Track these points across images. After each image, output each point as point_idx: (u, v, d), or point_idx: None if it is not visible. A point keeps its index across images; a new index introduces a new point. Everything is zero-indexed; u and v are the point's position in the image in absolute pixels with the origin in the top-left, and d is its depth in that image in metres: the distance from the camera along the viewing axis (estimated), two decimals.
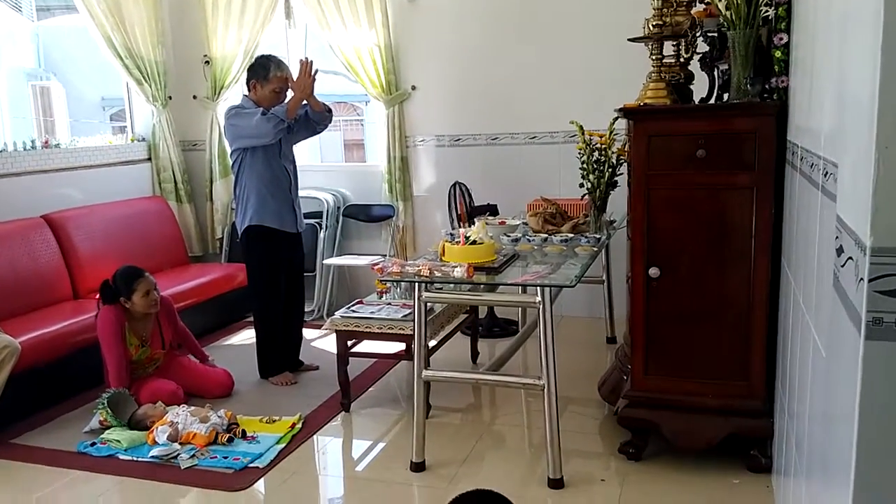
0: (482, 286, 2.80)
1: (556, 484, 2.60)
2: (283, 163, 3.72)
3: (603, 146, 3.22)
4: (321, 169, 5.30)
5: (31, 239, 3.97)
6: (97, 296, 3.46)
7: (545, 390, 2.54)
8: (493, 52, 4.60)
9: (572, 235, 3.08)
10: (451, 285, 2.75)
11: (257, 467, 2.86)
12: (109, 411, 3.15)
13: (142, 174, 5.07)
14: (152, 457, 2.94)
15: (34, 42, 11.14)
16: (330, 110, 3.76)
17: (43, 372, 3.42)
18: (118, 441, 3.05)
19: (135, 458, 2.97)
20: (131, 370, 3.39)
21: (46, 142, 4.53)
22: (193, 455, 2.92)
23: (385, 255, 4.82)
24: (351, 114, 10.96)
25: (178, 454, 2.93)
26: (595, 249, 2.94)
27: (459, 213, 4.23)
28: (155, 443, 3.01)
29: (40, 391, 3.45)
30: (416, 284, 2.70)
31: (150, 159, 5.12)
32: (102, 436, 3.12)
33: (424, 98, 4.81)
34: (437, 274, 2.62)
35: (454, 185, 4.37)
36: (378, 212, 4.95)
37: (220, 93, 5.12)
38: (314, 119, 3.71)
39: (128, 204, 4.74)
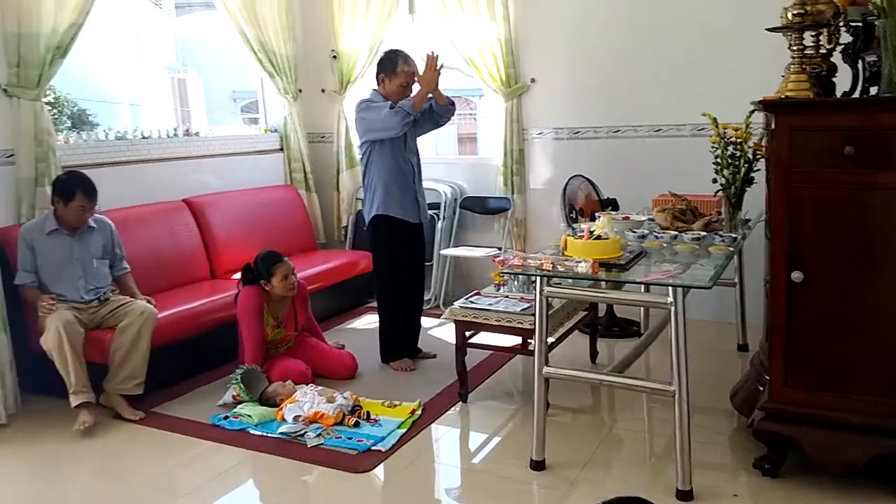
0: (606, 283, 2.73)
1: (685, 496, 2.49)
2: (408, 155, 3.79)
3: (738, 140, 3.08)
4: (440, 161, 5.36)
5: (173, 221, 4.25)
6: (237, 277, 3.67)
7: (676, 397, 2.45)
8: (616, 43, 4.49)
9: (705, 234, 2.97)
10: (573, 281, 2.70)
11: (380, 450, 2.94)
12: (242, 387, 3.33)
13: (274, 164, 5.30)
14: (281, 433, 3.09)
15: (173, 37, 11.87)
16: (453, 103, 3.80)
17: (182, 346, 3.65)
18: (249, 416, 3.22)
19: (264, 434, 3.13)
20: (265, 349, 3.57)
21: (187, 130, 4.83)
22: (320, 434, 3.04)
23: (500, 248, 4.83)
24: (464, 108, 11.03)
25: (305, 432, 3.06)
26: (731, 249, 2.82)
27: (579, 206, 4.17)
28: (283, 420, 3.16)
29: (179, 364, 3.68)
30: (539, 278, 2.67)
31: (282, 149, 5.35)
32: (235, 410, 3.31)
33: (544, 91, 4.77)
34: (560, 268, 2.60)
35: (572, 178, 4.30)
36: (494, 204, 4.96)
37: (346, 87, 5.27)
38: (438, 112, 3.77)
39: (261, 191, 4.99)
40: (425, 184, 4.00)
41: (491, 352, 3.62)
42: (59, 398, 3.34)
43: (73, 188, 3.31)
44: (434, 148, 6.52)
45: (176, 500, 2.74)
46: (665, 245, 2.95)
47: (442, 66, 3.59)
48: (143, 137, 4.47)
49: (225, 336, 3.68)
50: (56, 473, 2.98)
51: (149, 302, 3.50)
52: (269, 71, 5.09)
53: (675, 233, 3.02)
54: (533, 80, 4.76)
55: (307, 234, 5.18)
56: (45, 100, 3.79)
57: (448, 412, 3.33)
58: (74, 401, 3.18)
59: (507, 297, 3.44)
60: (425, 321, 4.21)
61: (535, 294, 2.70)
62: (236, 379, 3.36)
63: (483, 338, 3.46)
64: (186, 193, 4.52)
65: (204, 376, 3.76)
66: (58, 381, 3.22)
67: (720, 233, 2.97)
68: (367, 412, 3.21)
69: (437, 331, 4.44)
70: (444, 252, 4.98)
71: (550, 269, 2.61)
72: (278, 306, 3.63)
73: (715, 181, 3.13)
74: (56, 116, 8.03)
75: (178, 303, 3.75)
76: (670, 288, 2.44)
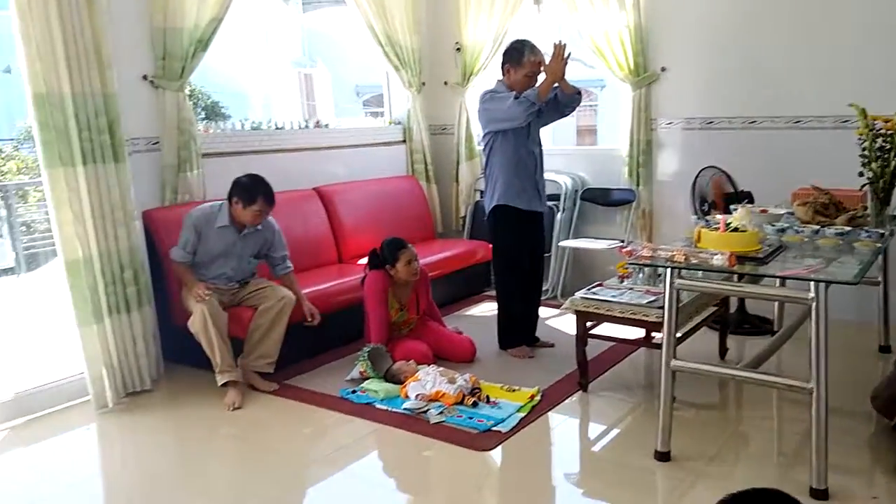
0: (742, 277, 2.65)
1: (821, 495, 2.40)
2: (531, 146, 3.81)
3: (889, 132, 2.91)
4: (560, 152, 5.34)
5: (304, 208, 4.47)
6: (362, 262, 3.82)
7: (814, 395, 2.36)
8: (752, 30, 4.32)
9: (849, 229, 2.82)
10: (704, 274, 2.63)
11: (499, 431, 3.00)
12: (369, 364, 3.48)
13: (397, 155, 5.46)
14: (405, 409, 3.20)
15: (300, 32, 12.40)
16: (579, 93, 3.78)
17: (313, 325, 3.82)
18: (375, 391, 3.36)
19: (389, 409, 3.25)
20: (390, 330, 3.71)
21: (317, 122, 5.05)
22: (442, 412, 3.14)
23: (622, 240, 4.77)
24: (584, 99, 10.91)
25: (428, 409, 3.16)
26: (878, 245, 2.68)
27: (711, 199, 4.05)
28: (407, 397, 3.27)
29: (310, 341, 3.87)
30: (669, 271, 2.63)
31: (404, 141, 5.50)
32: (362, 385, 3.46)
33: (674, 80, 4.65)
34: (694, 260, 2.55)
35: (704, 169, 4.18)
36: (618, 196, 4.89)
37: (469, 79, 5.35)
38: (563, 102, 3.76)
39: (385, 181, 5.16)
40: (545, 175, 4.01)
41: (612, 343, 3.59)
42: (197, 368, 3.62)
43: (256, 194, 3.45)
44: (552, 139, 6.49)
45: (308, 466, 2.90)
46: (806, 239, 2.84)
47: (569, 56, 3.57)
48: (277, 128, 4.72)
49: (351, 317, 3.85)
50: (195, 436, 3.22)
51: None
52: (395, 64, 5.24)
53: (817, 227, 2.89)
54: (663, 69, 4.66)
55: (427, 224, 5.31)
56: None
57: (567, 401, 3.34)
58: (221, 379, 3.40)
59: (631, 289, 3.41)
60: (542, 311, 4.22)
61: (665, 286, 2.66)
62: (363, 356, 3.51)
63: (604, 329, 3.43)
64: (316, 182, 4.73)
65: (332, 353, 3.95)
66: (196, 352, 3.46)
67: (866, 228, 2.82)
68: (487, 395, 3.27)
69: (555, 321, 4.45)
70: (563, 244, 4.97)
71: (683, 260, 2.56)
72: (402, 290, 3.76)
73: (861, 174, 2.97)
74: (192, 108, 8.57)
75: (310, 284, 3.93)
76: (812, 283, 2.35)
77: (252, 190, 3.46)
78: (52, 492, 2.75)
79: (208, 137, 4.26)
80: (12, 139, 12.18)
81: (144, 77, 3.81)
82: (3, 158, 11.74)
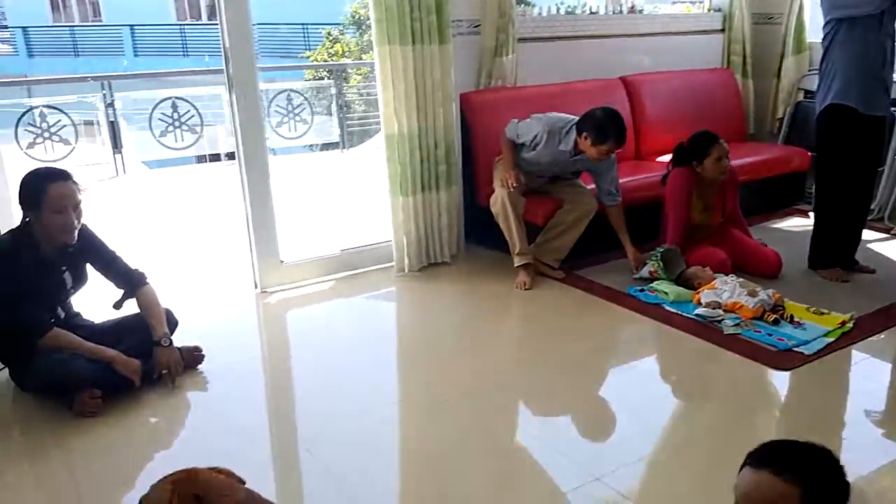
0: None
1: None
2: (882, 37, 3.25)
3: None
4: None
5: (608, 98, 4.32)
6: (662, 159, 3.66)
7: None
8: None
9: None
10: None
11: (802, 353, 2.77)
12: (661, 265, 3.39)
13: (711, 45, 5.02)
14: (696, 315, 3.09)
15: None
16: None
17: (605, 220, 3.79)
18: (665, 293, 3.28)
19: (679, 312, 3.17)
20: (688, 233, 3.56)
21: (632, 7, 4.81)
22: (738, 324, 2.98)
23: None
24: None
25: (723, 319, 3.02)
26: None
27: None
28: (699, 303, 3.15)
29: (602, 236, 3.82)
30: None
31: (722, 30, 5.02)
32: (651, 285, 3.40)
33: None
34: None
35: None
36: None
37: None
38: None
39: (695, 73, 4.81)
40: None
41: None
42: (490, 249, 3.84)
43: (610, 135, 3.29)
44: None
45: (588, 352, 2.95)
46: None
47: None
48: (592, 13, 4.59)
49: (647, 216, 3.74)
50: (484, 308, 3.44)
51: None
52: None
53: None
54: None
55: (738, 123, 4.89)
56: None
57: (883, 334, 2.96)
58: (517, 262, 3.55)
59: None
60: (865, 233, 3.72)
61: None
62: (656, 256, 3.42)
63: None
64: (622, 71, 4.57)
65: (623, 251, 3.90)
66: (493, 234, 3.65)
67: None
68: (791, 314, 3.03)
69: (879, 245, 3.92)
70: None
71: None
72: (707, 190, 3.55)
73: None
74: None
75: None
76: None
77: (606, 130, 3.31)
78: (359, 335, 3.18)
79: (524, 22, 4.26)
80: (339, 23, 13.53)
81: None
82: (331, 41, 13.16)
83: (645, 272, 3.50)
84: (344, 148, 8.04)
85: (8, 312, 2.44)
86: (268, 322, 3.40)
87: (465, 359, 2.90)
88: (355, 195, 5.42)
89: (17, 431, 2.46)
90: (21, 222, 2.51)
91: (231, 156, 7.92)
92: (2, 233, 2.62)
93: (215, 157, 7.91)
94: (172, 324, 2.78)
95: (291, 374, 2.90)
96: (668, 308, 3.22)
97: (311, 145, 8.23)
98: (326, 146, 8.31)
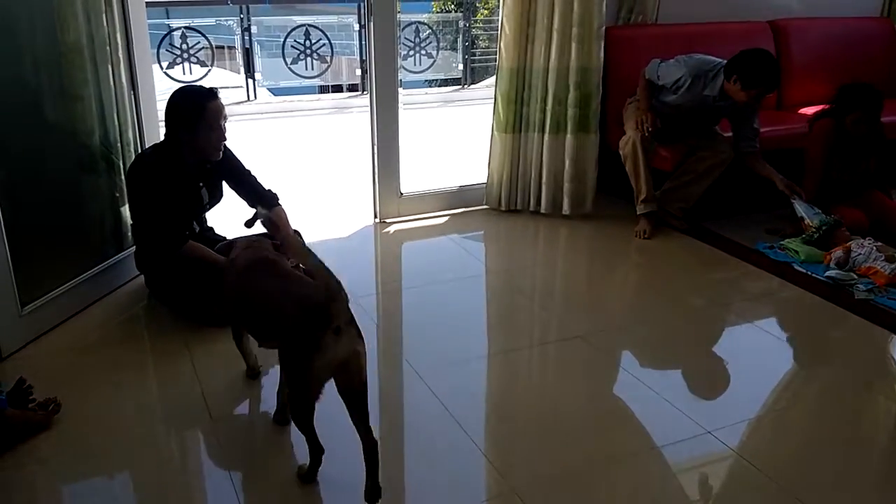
0: None
1: None
2: None
3: None
4: None
5: (753, 42, 3.90)
6: (805, 110, 3.42)
7: None
8: None
9: None
10: None
11: None
12: (820, 231, 3.18)
13: None
14: (827, 276, 2.95)
15: None
16: None
17: (740, 170, 3.59)
18: (796, 252, 3.14)
19: (808, 272, 3.03)
20: (825, 188, 3.35)
21: None
22: (871, 290, 2.82)
23: None
24: None
25: (855, 284, 2.87)
26: None
27: None
28: (831, 265, 2.99)
29: (733, 189, 3.64)
30: None
31: None
32: (781, 242, 3.25)
33: None
34: None
35: None
36: None
37: None
38: None
39: (850, 22, 4.41)
40: None
41: None
42: (618, 198, 3.74)
43: (761, 81, 3.15)
44: None
45: (708, 307, 2.88)
46: None
47: None
48: None
49: (782, 170, 3.53)
50: (600, 253, 3.42)
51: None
52: None
53: None
54: None
55: (892, 77, 4.46)
56: None
57: None
58: (640, 209, 3.45)
59: None
60: None
61: None
62: (825, 221, 3.20)
63: None
64: (768, 15, 4.25)
65: (753, 204, 3.72)
66: (615, 180, 3.56)
67: None
68: None
69: None
70: None
71: None
72: (852, 147, 3.30)
73: None
74: None
75: None
76: None
77: (760, 73, 3.13)
78: (470, 272, 3.24)
79: None
80: None
81: None
82: None
83: (799, 210, 3.28)
84: (466, 84, 8.00)
85: (150, 223, 2.59)
86: (384, 253, 3.46)
87: (580, 304, 2.90)
88: (475, 132, 5.41)
89: (147, 334, 2.64)
90: (165, 138, 2.63)
91: (353, 87, 8.10)
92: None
93: (337, 88, 8.07)
94: None
95: (401, 307, 2.92)
96: (797, 268, 3.08)
97: (429, 80, 8.24)
98: (444, 82, 8.29)
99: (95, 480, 1.89)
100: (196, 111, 2.50)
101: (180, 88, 2.63)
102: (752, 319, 2.76)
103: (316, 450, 1.76)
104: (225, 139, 2.60)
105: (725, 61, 3.24)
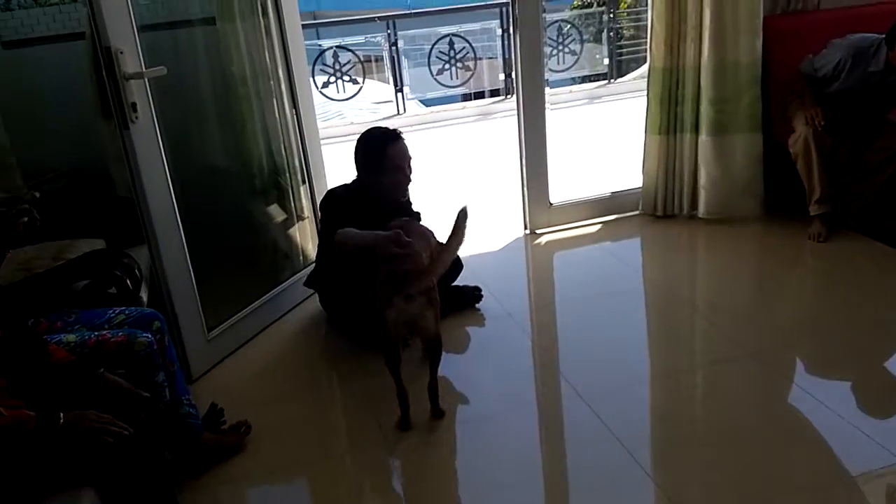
0: None
1: None
2: None
3: None
4: None
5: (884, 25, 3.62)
6: None
7: None
8: None
9: None
10: None
11: None
12: None
13: None
14: None
15: None
16: None
17: None
18: None
19: None
20: None
21: None
22: None
23: None
24: None
25: None
26: None
27: None
28: None
29: None
30: None
31: None
32: None
33: None
34: None
35: None
36: None
37: None
38: None
39: None
40: None
41: None
42: (787, 200, 3.43)
43: None
44: None
45: (893, 314, 2.62)
46: None
47: None
48: None
49: None
50: (773, 258, 3.21)
51: None
52: None
53: None
54: None
55: None
56: None
57: None
58: (814, 210, 3.20)
59: None
60: None
61: None
62: None
63: None
64: None
65: None
66: (780, 178, 3.32)
67: None
68: None
69: None
70: None
71: None
72: None
73: None
74: None
75: None
76: None
77: None
78: (625, 282, 3.15)
79: None
80: None
81: None
82: None
83: None
84: (612, 78, 7.77)
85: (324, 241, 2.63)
86: (536, 265, 3.45)
87: (750, 317, 2.73)
88: (625, 130, 5.24)
89: (323, 356, 2.75)
90: (353, 181, 2.63)
91: (495, 93, 8.11)
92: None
93: (479, 95, 8.09)
94: (458, 267, 2.88)
95: (556, 322, 2.92)
96: None
97: (573, 77, 8.08)
98: (588, 78, 8.09)
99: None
100: (378, 155, 2.53)
101: (367, 131, 2.63)
102: None
103: (402, 393, 2.19)
104: (409, 181, 2.61)
105: (884, 35, 2.96)
